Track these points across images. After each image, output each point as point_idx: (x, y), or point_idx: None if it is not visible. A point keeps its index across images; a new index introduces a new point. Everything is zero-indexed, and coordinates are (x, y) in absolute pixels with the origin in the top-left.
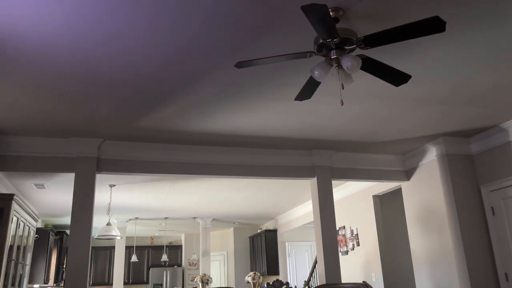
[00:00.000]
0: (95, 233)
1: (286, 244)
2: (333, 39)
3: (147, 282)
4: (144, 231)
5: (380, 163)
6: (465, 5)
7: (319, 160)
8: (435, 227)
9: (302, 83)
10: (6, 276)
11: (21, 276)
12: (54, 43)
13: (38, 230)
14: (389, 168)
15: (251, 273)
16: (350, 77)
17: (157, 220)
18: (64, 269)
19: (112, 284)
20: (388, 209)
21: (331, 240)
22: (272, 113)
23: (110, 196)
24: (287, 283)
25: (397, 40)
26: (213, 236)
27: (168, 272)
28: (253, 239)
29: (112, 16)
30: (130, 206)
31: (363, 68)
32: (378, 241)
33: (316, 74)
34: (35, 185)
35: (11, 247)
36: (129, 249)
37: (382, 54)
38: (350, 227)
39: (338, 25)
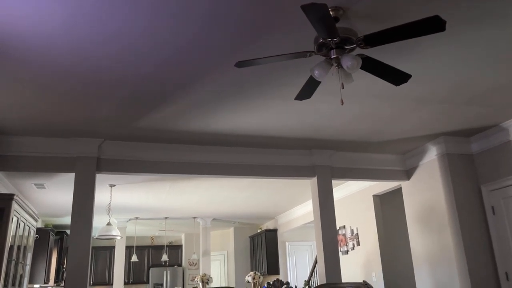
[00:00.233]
0: (95, 233)
1: (286, 243)
2: (333, 39)
3: (147, 282)
4: (144, 231)
5: (380, 162)
6: (465, 5)
7: (319, 159)
8: (435, 226)
9: (302, 83)
10: (6, 276)
11: (22, 276)
12: (54, 43)
13: (38, 230)
14: (389, 167)
15: (251, 272)
16: (350, 76)
17: (157, 220)
18: (65, 269)
19: (112, 284)
20: (388, 209)
21: (331, 240)
22: (272, 112)
23: (110, 196)
24: (287, 283)
25: (397, 39)
26: (213, 236)
27: (168, 272)
28: (253, 238)
29: (112, 16)
30: (130, 206)
31: (363, 67)
32: (379, 240)
33: (316, 74)
34: (35, 185)
35: (11, 247)
36: (129, 249)
37: (382, 53)
38: (350, 227)
39: (338, 25)
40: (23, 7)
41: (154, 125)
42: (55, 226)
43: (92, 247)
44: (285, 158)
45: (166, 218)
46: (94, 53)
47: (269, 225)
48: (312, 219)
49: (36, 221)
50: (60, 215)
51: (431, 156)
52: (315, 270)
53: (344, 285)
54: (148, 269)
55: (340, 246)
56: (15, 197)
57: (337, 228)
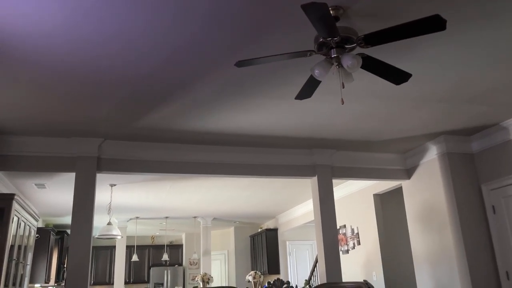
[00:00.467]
0: (95, 233)
1: (287, 243)
2: (333, 38)
3: (148, 282)
4: (145, 231)
5: (381, 162)
6: (466, 4)
7: (320, 159)
8: (435, 225)
9: (303, 82)
10: (7, 276)
11: (22, 276)
12: (55, 43)
13: (39, 230)
14: (389, 167)
15: (252, 272)
16: (350, 76)
17: (158, 219)
18: (65, 269)
19: (113, 284)
20: (389, 208)
21: (331, 239)
22: (272, 112)
23: (111, 196)
24: (288, 282)
25: (398, 38)
26: (213, 235)
27: (169, 271)
28: (253, 238)
29: (112, 16)
30: (130, 206)
31: (364, 67)
32: (379, 240)
33: (317, 73)
34: (35, 184)
35: (12, 247)
36: (129, 249)
37: (383, 52)
38: (351, 226)
39: (338, 24)
40: (23, 7)
41: (155, 124)
42: (56, 226)
43: (93, 247)
44: (286, 157)
45: (166, 217)
46: (94, 53)
47: (269, 224)
48: (313, 218)
49: (37, 220)
50: (60, 215)
51: (432, 155)
52: (315, 269)
53: (344, 284)
54: (149, 268)
55: (341, 246)
56: (15, 197)
57: (338, 227)
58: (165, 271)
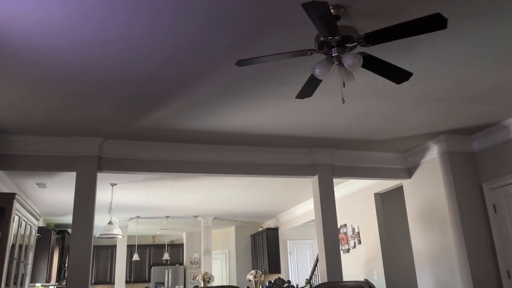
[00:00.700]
0: (96, 232)
1: (288, 242)
2: (334, 37)
3: (148, 281)
4: (146, 230)
5: (382, 161)
6: (466, 3)
7: (321, 158)
8: (436, 225)
9: (303, 81)
10: (8, 275)
11: (23, 275)
12: (55, 43)
13: (40, 229)
14: (390, 166)
15: (253, 271)
16: (351, 75)
17: (159, 218)
18: (66, 268)
19: (114, 283)
20: (390, 207)
21: (332, 238)
22: (273, 111)
23: (112, 195)
24: (289, 281)
25: (399, 37)
26: (214, 234)
27: (170, 270)
28: (254, 237)
29: (112, 16)
30: (131, 205)
31: (364, 65)
32: (380, 239)
33: (317, 72)
34: (36, 184)
35: (13, 246)
36: (130, 248)
37: (384, 51)
38: (352, 225)
39: (339, 23)
40: (24, 7)
41: (155, 124)
42: (57, 225)
43: (94, 246)
44: (286, 156)
45: (167, 217)
46: (94, 53)
47: (270, 223)
48: (314, 217)
49: (38, 220)
50: (61, 214)
51: (433, 154)
52: (316, 268)
53: (345, 283)
54: (150, 268)
55: (342, 245)
56: (16, 196)
57: (338, 226)
58: (166, 271)
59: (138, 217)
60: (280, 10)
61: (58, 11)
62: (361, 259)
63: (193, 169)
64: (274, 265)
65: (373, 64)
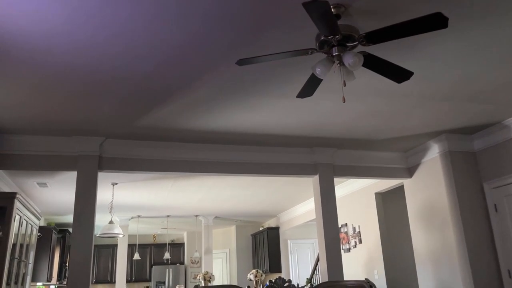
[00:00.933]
0: (97, 231)
1: (288, 241)
2: (334, 36)
3: (149, 280)
4: (147, 229)
5: (382, 160)
6: (468, 2)
7: (321, 157)
8: (437, 224)
9: (304, 81)
10: (9, 274)
11: (24, 274)
12: (56, 42)
13: (40, 229)
14: (391, 165)
15: (254, 270)
16: (352, 74)
17: (160, 218)
18: (67, 267)
19: (114, 282)
20: (390, 207)
21: (333, 238)
22: (273, 110)
23: (112, 194)
24: (289, 281)
25: (399, 36)
26: (215, 234)
27: (171, 270)
28: (255, 236)
29: (113, 15)
30: (132, 204)
31: (365, 65)
32: (381, 238)
33: (318, 71)
34: (37, 183)
35: (14, 245)
36: (131, 247)
37: (384, 50)
38: (352, 225)
39: (339, 22)
40: (25, 7)
41: (156, 123)
42: (58, 225)
43: (95, 245)
44: (287, 156)
45: (168, 216)
46: (95, 53)
47: (271, 223)
48: (314, 217)
49: (39, 219)
50: (62, 214)
51: (433, 153)
52: (317, 268)
53: (346, 283)
54: (151, 267)
55: (342, 244)
56: (17, 195)
57: (339, 226)
58: (167, 270)
59: (139, 216)
60: (280, 9)
61: (59, 10)
62: (362, 259)
63: (193, 168)
64: (275, 264)
65: (373, 63)
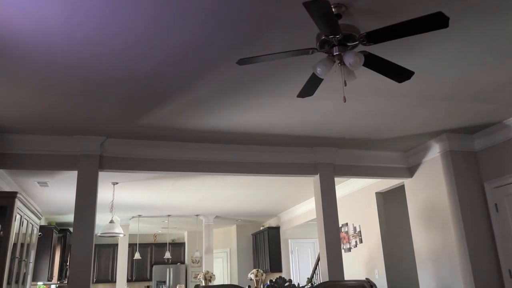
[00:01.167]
0: (98, 231)
1: (289, 241)
2: (335, 36)
3: (150, 280)
4: (147, 229)
5: (383, 160)
6: (468, 2)
7: (322, 157)
8: (438, 224)
9: (304, 80)
10: (10, 274)
11: (25, 274)
12: (56, 41)
13: (41, 228)
14: (392, 165)
15: (254, 270)
16: (352, 73)
17: (160, 217)
18: (68, 267)
19: (115, 282)
20: (391, 206)
21: (334, 237)
22: (274, 110)
23: (113, 194)
24: (290, 280)
25: (400, 36)
26: (216, 233)
27: (171, 269)
28: (256, 236)
29: (113, 15)
30: (133, 204)
31: (366, 64)
32: (381, 238)
33: (319, 71)
34: (38, 183)
35: (14, 244)
36: (132, 247)
37: (385, 50)
38: (353, 224)
39: (340, 22)
40: (25, 6)
41: (156, 123)
42: (58, 224)
43: (95, 245)
44: (288, 155)
45: (169, 215)
46: (96, 52)
47: (271, 222)
48: (315, 216)
49: (39, 218)
50: (63, 213)
51: (434, 153)
52: (317, 267)
53: (346, 282)
54: (151, 266)
55: (343, 244)
56: (18, 195)
57: (340, 225)
58: (167, 269)
59: (139, 216)
60: (281, 9)
61: (59, 10)
62: (363, 258)
63: (194, 168)
64: (276, 264)
65: (374, 63)
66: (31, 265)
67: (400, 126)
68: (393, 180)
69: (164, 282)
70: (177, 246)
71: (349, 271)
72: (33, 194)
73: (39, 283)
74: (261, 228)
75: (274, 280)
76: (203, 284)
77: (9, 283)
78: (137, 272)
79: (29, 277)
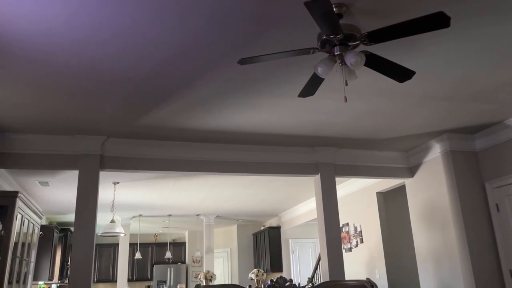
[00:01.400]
0: (99, 230)
1: (290, 241)
2: (336, 35)
3: (151, 279)
4: (148, 228)
5: (384, 160)
6: (469, 1)
7: (323, 157)
8: (439, 224)
9: (305, 80)
10: (11, 273)
11: (26, 273)
12: (57, 41)
13: (42, 227)
14: (392, 165)
15: (255, 270)
16: (353, 73)
17: (161, 217)
18: (69, 266)
19: (116, 281)
20: (392, 206)
21: (334, 237)
22: (275, 110)
23: (114, 194)
24: (291, 280)
25: (401, 36)
26: (216, 233)
27: (172, 269)
28: (256, 236)
29: (114, 15)
30: (134, 204)
31: (367, 64)
32: (382, 238)
33: (320, 71)
34: (39, 182)
35: (15, 244)
36: (133, 246)
37: (386, 50)
38: (354, 224)
39: (341, 21)
40: (26, 6)
41: (157, 122)
42: (59, 223)
43: (96, 244)
44: (288, 155)
45: (169, 215)
46: (97, 52)
47: (272, 222)
48: (316, 216)
49: (40, 218)
50: (64, 213)
51: (435, 153)
52: (318, 267)
53: (347, 282)
54: (152, 266)
55: (344, 244)
56: (19, 194)
57: (341, 225)
58: (168, 269)
59: (140, 215)
60: (282, 8)
61: (60, 10)
62: (363, 258)
63: (195, 168)
64: (276, 263)
65: (375, 63)
66: (32, 265)
67: (401, 126)
68: (394, 180)
69: (165, 281)
70: (178, 246)
71: (349, 271)
72: (34, 193)
73: (40, 282)
74: (262, 228)
75: (274, 280)
76: (204, 284)
77: (10, 282)
78: (137, 272)
79: (30, 277)
